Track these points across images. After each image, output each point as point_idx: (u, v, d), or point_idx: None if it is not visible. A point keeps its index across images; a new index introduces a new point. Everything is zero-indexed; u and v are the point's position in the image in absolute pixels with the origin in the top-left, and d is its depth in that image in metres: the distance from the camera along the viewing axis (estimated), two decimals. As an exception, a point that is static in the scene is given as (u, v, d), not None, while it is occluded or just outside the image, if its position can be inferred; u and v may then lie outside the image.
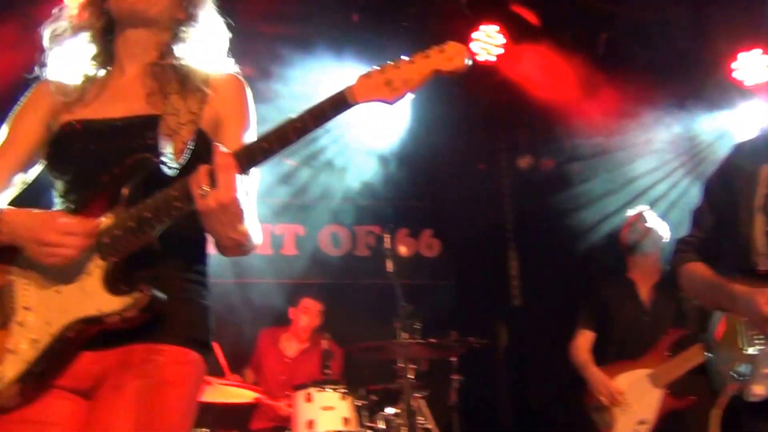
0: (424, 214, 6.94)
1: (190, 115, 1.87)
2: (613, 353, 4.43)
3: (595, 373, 4.38)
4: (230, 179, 1.61)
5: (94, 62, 2.02)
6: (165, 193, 1.69)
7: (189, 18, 2.02)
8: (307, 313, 5.43)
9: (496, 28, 5.82)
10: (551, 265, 6.39)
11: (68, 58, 2.02)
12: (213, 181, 1.61)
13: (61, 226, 1.69)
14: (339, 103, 1.67)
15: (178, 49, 1.98)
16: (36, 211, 1.76)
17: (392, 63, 1.68)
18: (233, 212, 1.63)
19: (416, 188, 6.73)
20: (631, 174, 6.17)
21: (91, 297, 1.70)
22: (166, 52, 1.98)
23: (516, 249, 7.04)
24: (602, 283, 4.77)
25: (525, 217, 6.96)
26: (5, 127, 2.02)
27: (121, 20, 1.98)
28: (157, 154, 1.79)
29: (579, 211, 6.28)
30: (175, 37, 2.00)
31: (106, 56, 2.03)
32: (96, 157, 1.84)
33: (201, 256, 1.95)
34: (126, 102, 1.93)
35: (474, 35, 5.77)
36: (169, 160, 1.78)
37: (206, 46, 2.04)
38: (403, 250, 6.49)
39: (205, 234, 1.89)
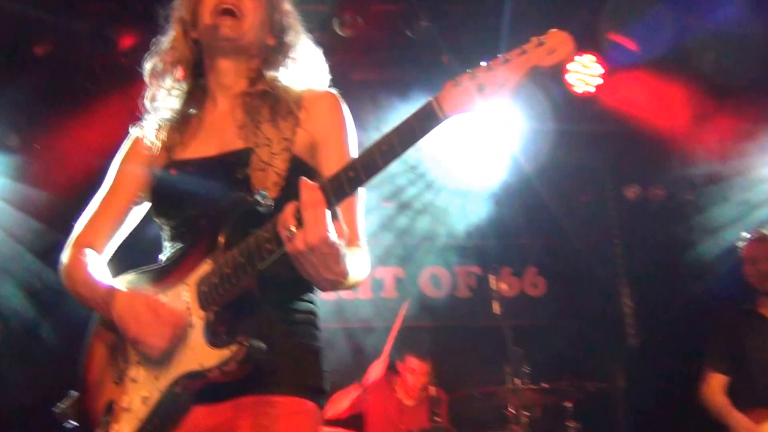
0: (527, 251, 6.72)
1: (283, 142, 1.82)
2: (752, 397, 4.05)
3: (740, 420, 4.01)
4: (318, 217, 1.46)
5: (188, 99, 2.03)
6: (257, 235, 1.60)
7: (279, 43, 2.00)
8: (414, 374, 5.31)
9: (593, 57, 5.69)
10: (669, 300, 6.01)
11: (164, 99, 2.04)
12: (300, 221, 1.48)
13: (159, 329, 1.66)
14: (427, 119, 1.49)
15: (269, 74, 1.95)
16: (142, 298, 1.71)
17: (484, 65, 1.49)
18: (325, 252, 1.48)
19: (517, 224, 6.54)
20: (751, 201, 5.75)
21: (194, 350, 1.66)
22: (256, 78, 1.96)
23: (629, 285, 6.67)
24: (731, 320, 4.40)
25: (637, 251, 6.60)
26: (108, 179, 2.05)
27: (211, 51, 1.98)
28: (250, 190, 1.74)
29: (696, 242, 5.92)
30: (266, 63, 1.98)
31: (200, 92, 2.04)
32: (194, 200, 1.82)
33: (308, 295, 1.88)
34: (219, 138, 1.91)
35: (570, 67, 5.65)
36: (262, 196, 1.69)
37: (297, 68, 2.01)
38: (505, 288, 6.31)
39: None
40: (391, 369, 5.50)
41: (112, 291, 1.78)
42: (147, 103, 2.04)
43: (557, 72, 1.44)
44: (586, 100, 5.80)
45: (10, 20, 4.81)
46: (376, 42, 5.37)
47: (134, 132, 2.08)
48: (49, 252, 5.51)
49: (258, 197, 1.68)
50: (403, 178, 6.10)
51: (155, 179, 1.95)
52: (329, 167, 1.72)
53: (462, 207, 6.30)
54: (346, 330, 5.82)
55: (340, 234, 1.50)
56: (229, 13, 1.90)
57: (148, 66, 2.05)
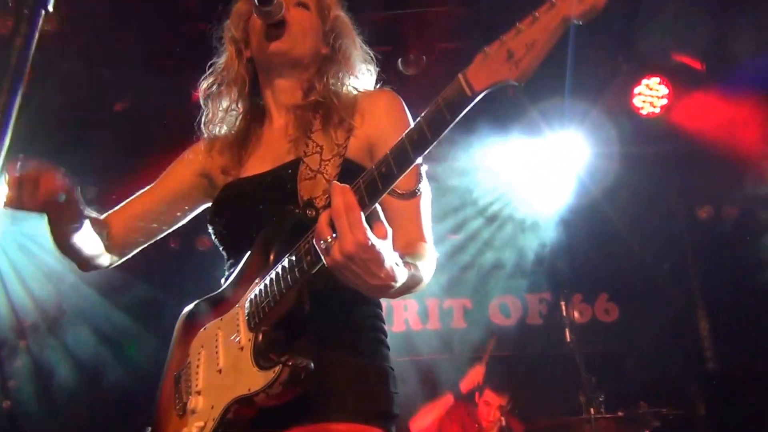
0: (598, 276, 6.61)
1: (335, 149, 1.77)
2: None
3: None
4: (352, 223, 1.34)
5: (246, 119, 2.02)
6: (298, 248, 1.52)
7: (333, 51, 1.97)
8: (489, 407, 5.31)
9: (657, 79, 5.64)
10: (747, 323, 5.79)
11: (222, 120, 2.03)
12: (335, 229, 1.37)
13: None
14: (456, 99, 1.33)
15: (322, 84, 1.91)
16: None
17: (513, 29, 1.31)
18: (365, 258, 1.35)
19: (587, 250, 6.46)
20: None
21: (244, 374, 1.58)
22: (309, 89, 1.93)
23: (705, 307, 6.47)
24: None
25: (712, 272, 6.40)
26: (158, 179, 2.08)
27: (265, 67, 1.97)
28: (297, 201, 1.69)
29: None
30: (319, 72, 1.94)
31: (257, 110, 2.03)
32: (248, 219, 1.79)
33: (370, 309, 1.79)
34: (273, 153, 1.89)
35: (636, 90, 5.63)
36: (308, 205, 1.64)
37: (352, 73, 1.97)
38: (577, 315, 6.22)
39: None
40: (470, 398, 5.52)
41: None
42: (204, 125, 2.05)
43: (591, 20, 1.22)
44: (653, 121, 5.74)
45: (92, 80, 5.06)
46: (439, 79, 5.44)
47: (192, 148, 2.09)
48: (123, 298, 5.80)
49: (304, 208, 1.63)
50: (469, 209, 6.11)
51: (214, 200, 1.95)
52: None
53: (530, 234, 6.25)
54: (414, 362, 5.84)
55: (380, 235, 1.38)
56: (277, 26, 1.88)
57: (204, 88, 2.05)
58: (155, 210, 2.04)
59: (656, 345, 6.24)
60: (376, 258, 1.36)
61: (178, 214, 2.08)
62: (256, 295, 1.61)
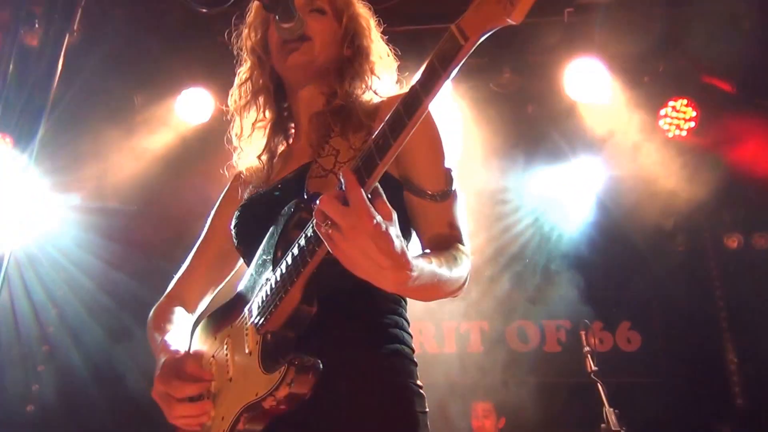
0: (620, 304, 6.41)
1: (351, 152, 1.69)
2: None
3: None
4: (353, 201, 1.22)
5: (275, 128, 1.97)
6: (300, 238, 1.44)
7: (354, 52, 1.89)
8: (476, 417, 5.22)
9: (685, 101, 5.50)
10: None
11: (251, 132, 1.98)
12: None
13: (180, 389, 1.59)
14: (448, 51, 1.21)
15: (344, 88, 1.84)
16: (169, 360, 1.64)
17: None
18: (371, 235, 1.22)
19: (609, 276, 6.28)
20: None
21: (251, 380, 1.50)
22: (332, 94, 1.86)
23: (733, 340, 6.23)
24: None
25: (740, 303, 6.17)
26: (204, 229, 2.03)
27: (288, 79, 1.92)
28: (302, 197, 1.62)
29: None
30: (341, 75, 1.87)
31: (285, 118, 1.97)
32: (259, 222, 1.73)
33: (389, 315, 1.68)
34: (295, 163, 1.83)
35: (662, 112, 5.49)
36: (315, 197, 1.51)
37: (372, 72, 1.89)
38: (597, 343, 6.03)
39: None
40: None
41: (158, 352, 1.74)
42: (234, 138, 2.00)
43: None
44: (679, 144, 5.59)
45: (114, 90, 5.08)
46: (461, 96, 5.37)
47: (229, 175, 2.06)
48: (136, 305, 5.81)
49: (309, 200, 1.56)
50: (488, 233, 5.99)
51: (235, 216, 1.89)
52: (415, 170, 1.64)
53: (549, 259, 6.12)
54: (429, 386, 5.68)
55: (384, 215, 1.25)
56: (298, 40, 1.82)
57: (230, 100, 2.01)
58: (219, 265, 2.01)
59: (681, 378, 6.02)
60: (383, 236, 1.23)
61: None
62: (263, 296, 1.54)
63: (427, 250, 1.58)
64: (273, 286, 1.50)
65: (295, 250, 1.43)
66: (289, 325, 1.50)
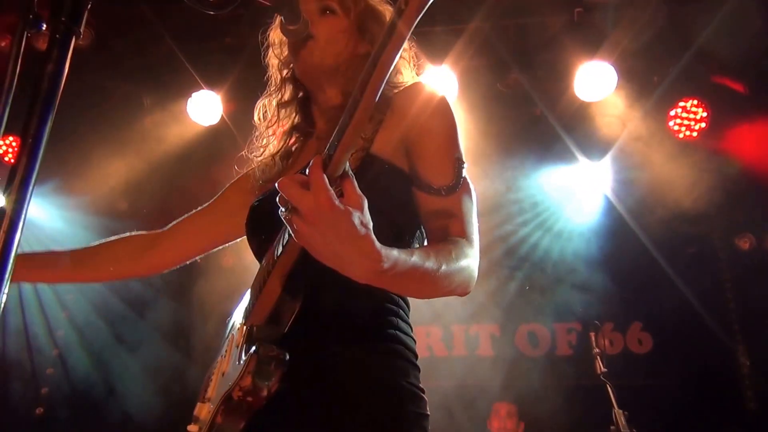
0: (631, 305, 6.36)
1: (360, 142, 1.61)
2: None
3: None
4: (311, 183, 1.11)
5: (300, 133, 1.98)
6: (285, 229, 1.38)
7: (369, 49, 1.83)
8: (499, 417, 5.18)
9: (695, 102, 5.45)
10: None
11: (276, 138, 2.00)
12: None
13: None
14: (393, 17, 1.11)
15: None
16: None
17: None
18: (330, 218, 1.11)
19: (620, 277, 6.23)
20: None
21: (232, 372, 1.49)
22: (346, 94, 1.81)
23: (745, 343, 6.17)
24: None
25: (753, 305, 6.11)
26: (209, 202, 2.11)
27: (306, 82, 1.92)
28: None
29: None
30: (355, 75, 1.75)
31: (309, 123, 1.98)
32: (269, 224, 1.68)
33: (385, 313, 1.62)
34: (306, 160, 1.80)
35: (672, 112, 5.44)
36: None
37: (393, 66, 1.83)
38: (608, 345, 5.98)
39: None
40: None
41: None
42: (259, 146, 2.02)
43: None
44: (689, 145, 5.54)
45: (123, 94, 5.09)
46: (470, 94, 5.34)
47: (247, 174, 2.09)
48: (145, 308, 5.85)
49: None
50: (497, 235, 5.97)
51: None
52: (422, 163, 1.60)
53: (559, 261, 6.08)
54: (438, 389, 5.67)
55: (352, 203, 1.14)
56: (304, 41, 1.81)
57: (257, 109, 2.03)
58: (206, 229, 2.09)
59: (692, 380, 5.96)
60: (342, 219, 1.12)
61: (230, 238, 2.11)
62: (257, 289, 1.54)
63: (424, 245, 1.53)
64: (260, 279, 1.51)
65: (280, 242, 1.42)
66: (272, 319, 1.47)
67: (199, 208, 2.12)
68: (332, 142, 1.16)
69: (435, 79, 4.91)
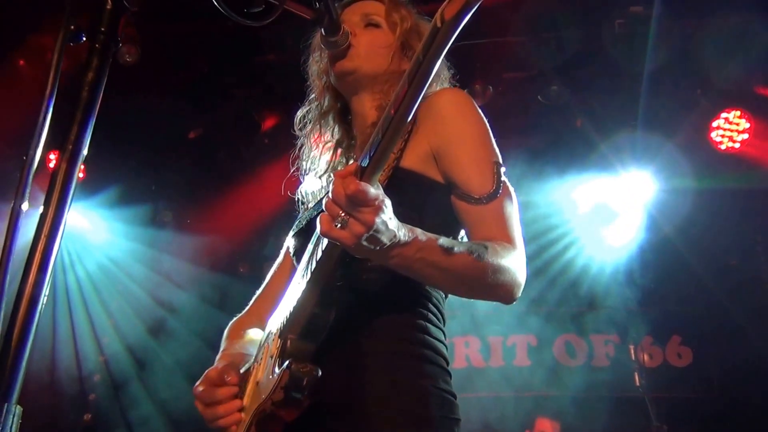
0: (671, 318, 6.28)
1: (390, 157, 1.56)
2: None
3: None
4: (342, 179, 1.18)
5: (343, 149, 1.96)
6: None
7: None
8: None
9: (738, 113, 5.39)
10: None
11: (320, 154, 1.99)
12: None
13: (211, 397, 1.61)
14: (429, 35, 1.11)
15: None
16: (210, 372, 1.66)
17: None
18: (355, 203, 1.17)
19: (660, 290, 6.16)
20: None
21: (266, 384, 1.48)
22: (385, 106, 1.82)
23: (788, 356, 6.05)
24: None
25: (795, 318, 6.00)
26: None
27: (344, 92, 1.91)
28: None
29: None
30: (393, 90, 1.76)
31: (351, 138, 1.96)
32: (305, 233, 1.73)
33: (415, 317, 1.61)
34: None
35: (714, 124, 5.38)
36: None
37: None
38: (647, 358, 5.91)
39: (419, 284, 1.54)
40: None
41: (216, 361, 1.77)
42: (304, 162, 2.01)
43: None
44: (732, 156, 5.47)
45: (167, 109, 5.21)
46: (507, 109, 5.34)
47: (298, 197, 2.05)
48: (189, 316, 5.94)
49: None
50: (537, 244, 5.94)
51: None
52: (458, 171, 1.57)
53: (599, 272, 6.03)
54: (475, 399, 5.66)
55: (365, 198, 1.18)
56: (344, 51, 1.81)
57: (300, 125, 2.02)
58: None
59: (732, 394, 5.86)
60: (367, 200, 1.17)
61: None
62: (293, 299, 1.53)
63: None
64: (298, 290, 1.50)
65: (314, 257, 1.45)
66: (306, 332, 1.47)
67: (274, 268, 2.03)
68: (364, 157, 1.20)
69: (470, 91, 4.94)
